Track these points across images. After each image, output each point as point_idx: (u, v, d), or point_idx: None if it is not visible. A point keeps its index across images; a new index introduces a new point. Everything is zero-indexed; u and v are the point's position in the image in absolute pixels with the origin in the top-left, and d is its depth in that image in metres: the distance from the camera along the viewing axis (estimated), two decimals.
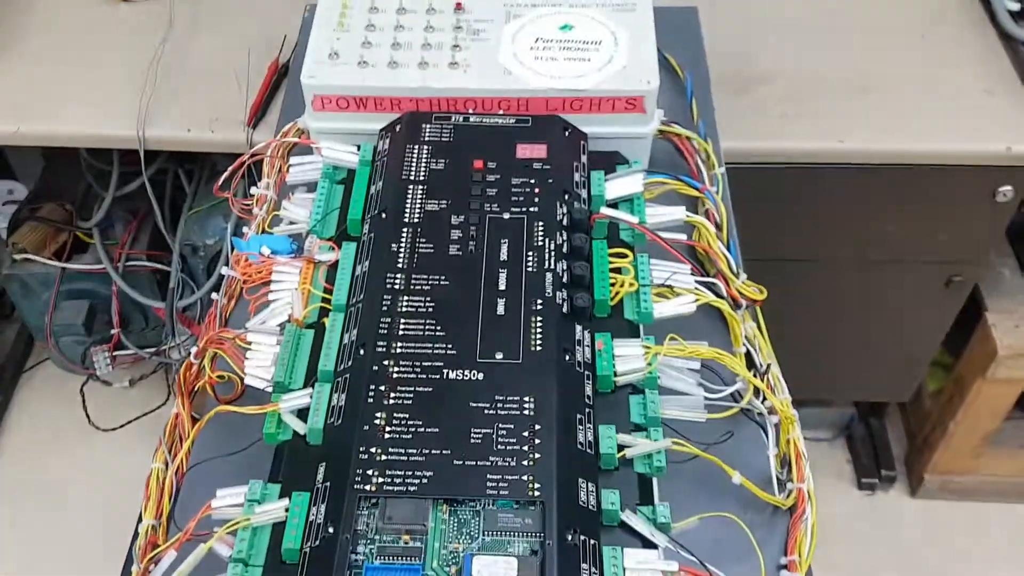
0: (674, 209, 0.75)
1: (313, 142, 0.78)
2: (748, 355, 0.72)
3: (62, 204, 1.48)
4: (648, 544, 0.58)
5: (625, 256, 0.71)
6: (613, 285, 0.69)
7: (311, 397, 0.62)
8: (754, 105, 1.04)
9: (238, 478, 0.63)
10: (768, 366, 0.72)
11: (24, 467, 1.51)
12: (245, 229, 0.82)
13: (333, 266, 0.70)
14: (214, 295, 0.78)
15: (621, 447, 0.60)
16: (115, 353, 1.46)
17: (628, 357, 0.64)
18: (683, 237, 0.74)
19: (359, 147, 0.78)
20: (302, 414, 0.62)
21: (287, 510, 0.57)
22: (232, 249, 0.81)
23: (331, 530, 0.53)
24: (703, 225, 0.76)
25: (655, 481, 0.61)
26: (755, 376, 0.72)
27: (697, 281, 0.71)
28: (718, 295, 0.72)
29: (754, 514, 0.66)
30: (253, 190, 0.83)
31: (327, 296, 0.68)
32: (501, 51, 0.80)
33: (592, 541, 0.55)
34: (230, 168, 0.79)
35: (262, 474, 0.63)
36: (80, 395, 1.49)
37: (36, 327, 1.51)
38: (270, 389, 0.65)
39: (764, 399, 0.68)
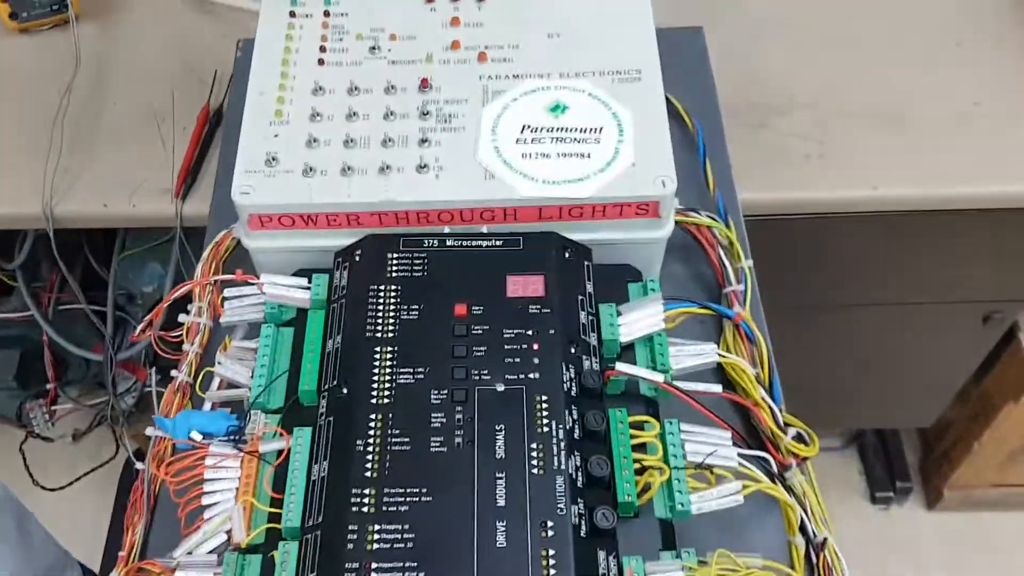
0: (703, 348, 0.61)
1: (251, 277, 0.62)
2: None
3: None
4: None
5: (650, 426, 0.57)
6: (639, 474, 0.55)
7: None
8: (773, 144, 0.89)
9: None
10: (825, 540, 0.59)
11: None
12: (174, 373, 0.66)
13: (283, 459, 0.56)
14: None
15: None
16: (53, 407, 1.31)
17: None
18: (718, 388, 0.60)
19: (310, 278, 0.62)
20: None
21: None
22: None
23: None
24: (742, 370, 0.61)
25: None
26: (807, 544, 0.60)
27: (740, 454, 0.57)
28: (768, 472, 0.58)
29: None
30: (182, 318, 0.68)
31: (276, 510, 0.54)
32: (480, 146, 0.64)
33: None
34: (149, 316, 0.64)
35: None
36: (20, 454, 1.34)
37: None
38: None
39: None
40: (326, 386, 0.57)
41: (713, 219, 0.70)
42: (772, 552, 0.61)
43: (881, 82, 0.93)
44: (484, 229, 0.62)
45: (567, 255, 0.61)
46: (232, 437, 0.57)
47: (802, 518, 0.59)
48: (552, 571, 0.49)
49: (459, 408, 0.54)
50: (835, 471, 1.45)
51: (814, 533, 0.60)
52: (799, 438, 0.62)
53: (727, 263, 0.70)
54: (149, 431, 0.63)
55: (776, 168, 0.88)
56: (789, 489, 0.59)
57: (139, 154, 0.89)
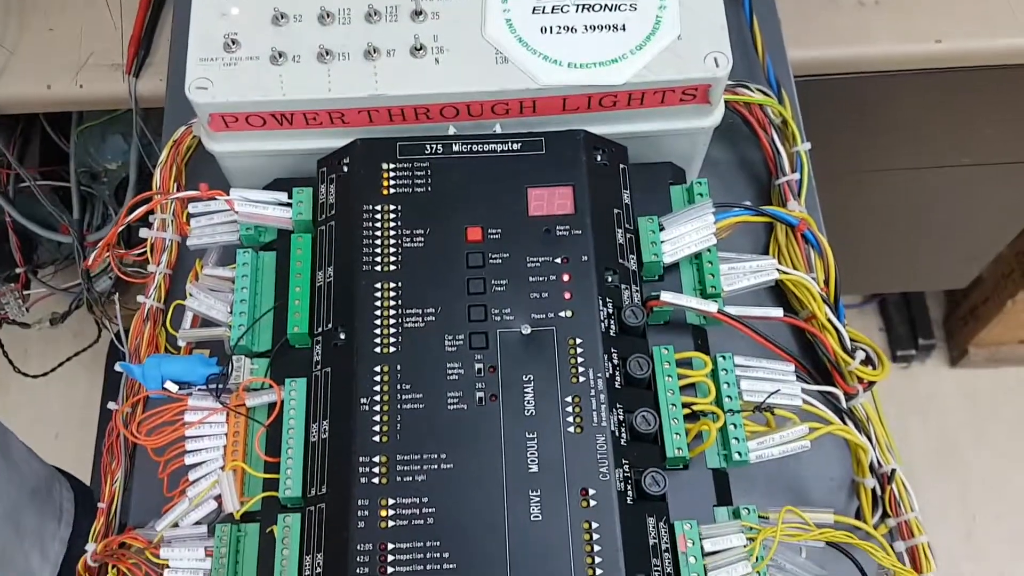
0: (760, 264, 0.52)
1: (219, 193, 0.52)
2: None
3: None
4: None
5: (699, 362, 0.48)
6: (689, 421, 0.47)
7: None
8: None
9: None
10: (893, 471, 0.53)
11: None
12: (141, 299, 0.57)
13: (275, 416, 0.47)
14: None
15: None
16: (26, 292, 1.22)
17: (726, 555, 0.44)
18: (778, 312, 0.51)
19: (290, 191, 0.52)
20: None
21: None
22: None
23: None
24: (804, 287, 0.53)
25: None
26: (873, 477, 0.53)
27: (804, 390, 0.49)
28: (834, 406, 0.50)
29: None
30: (144, 232, 0.58)
31: (272, 476, 0.46)
32: (489, 19, 0.52)
33: None
34: (104, 240, 0.54)
35: None
36: None
37: None
38: None
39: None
40: (319, 328, 0.48)
41: (766, 95, 0.59)
42: (832, 487, 0.55)
43: None
44: (497, 128, 0.52)
45: (599, 158, 0.51)
46: (213, 387, 0.49)
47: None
48: (596, 546, 0.42)
49: (478, 356, 0.46)
50: (854, 328, 1.39)
51: (879, 463, 0.53)
52: (867, 360, 0.54)
53: (780, 148, 0.60)
54: (118, 367, 0.55)
55: (821, 17, 0.75)
56: (857, 424, 0.51)
57: (82, 21, 0.76)
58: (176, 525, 0.47)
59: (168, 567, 0.45)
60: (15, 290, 1.22)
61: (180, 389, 0.49)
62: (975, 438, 1.34)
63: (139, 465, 0.56)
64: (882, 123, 0.85)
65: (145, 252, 0.58)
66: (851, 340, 0.54)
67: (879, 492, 0.53)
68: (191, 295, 0.52)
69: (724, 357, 0.49)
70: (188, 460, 0.48)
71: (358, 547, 0.42)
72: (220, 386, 0.49)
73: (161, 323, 0.58)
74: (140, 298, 0.57)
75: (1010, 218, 1.03)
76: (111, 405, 0.57)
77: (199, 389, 0.49)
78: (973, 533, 1.31)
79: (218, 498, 0.47)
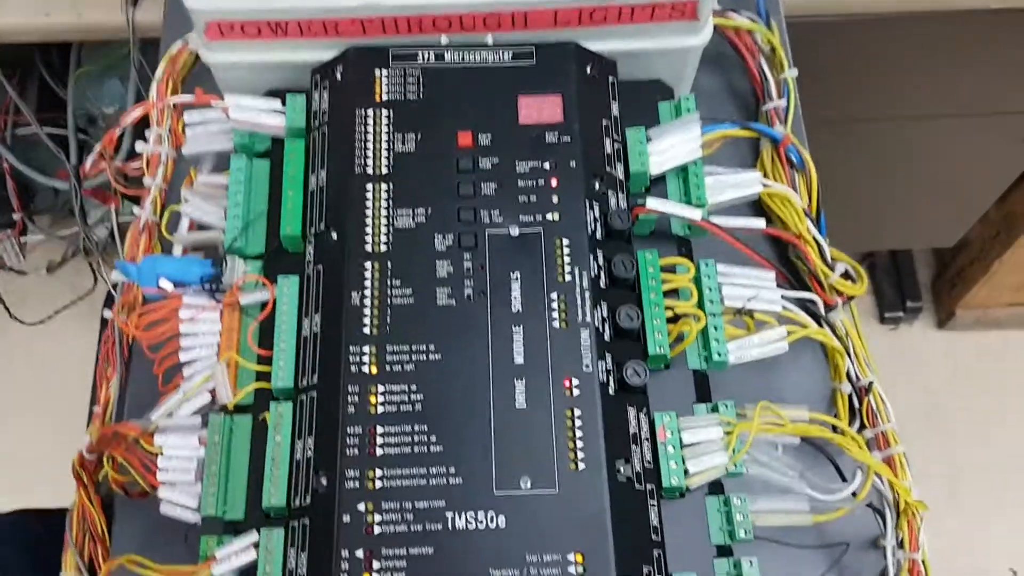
0: (744, 177, 0.53)
1: (214, 98, 0.53)
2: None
3: None
4: None
5: (683, 268, 0.50)
6: (671, 323, 0.48)
7: (256, 548, 0.44)
8: None
9: None
10: (871, 384, 0.54)
11: None
12: (137, 211, 0.58)
13: (268, 312, 0.49)
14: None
15: None
16: (23, 239, 1.23)
17: (703, 447, 0.46)
18: (761, 223, 0.52)
19: (283, 99, 0.53)
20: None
21: None
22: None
23: None
24: (787, 201, 0.54)
25: None
26: (850, 389, 0.54)
27: (784, 296, 0.51)
28: (812, 314, 0.52)
29: None
30: (139, 146, 0.59)
31: (264, 368, 0.47)
32: None
33: None
34: (98, 147, 0.55)
35: None
36: None
37: None
38: (198, 520, 0.46)
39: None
40: (312, 230, 0.49)
41: (754, 20, 0.60)
42: (810, 396, 0.56)
43: None
44: (489, 40, 0.52)
45: (588, 70, 0.52)
46: (208, 286, 0.50)
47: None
48: (578, 432, 0.43)
49: (467, 255, 0.47)
50: None
51: (857, 376, 0.54)
52: (846, 275, 0.55)
53: (768, 74, 0.60)
54: (114, 276, 0.56)
55: None
56: (835, 332, 0.53)
57: None
58: (170, 416, 0.48)
59: (162, 454, 0.46)
60: (12, 236, 1.23)
61: (175, 288, 0.50)
62: (961, 399, 1.36)
63: (133, 377, 0.58)
64: (864, 69, 0.86)
65: (141, 167, 0.59)
66: (832, 258, 0.55)
67: (856, 404, 0.54)
68: (186, 200, 0.53)
69: (707, 264, 0.50)
70: (183, 357, 0.49)
71: (348, 430, 0.43)
72: (214, 286, 0.50)
73: (157, 236, 0.59)
74: (136, 210, 0.58)
75: (995, 174, 1.04)
76: (106, 313, 0.58)
77: (194, 289, 0.50)
78: (957, 492, 1.33)
79: (212, 391, 0.48)
